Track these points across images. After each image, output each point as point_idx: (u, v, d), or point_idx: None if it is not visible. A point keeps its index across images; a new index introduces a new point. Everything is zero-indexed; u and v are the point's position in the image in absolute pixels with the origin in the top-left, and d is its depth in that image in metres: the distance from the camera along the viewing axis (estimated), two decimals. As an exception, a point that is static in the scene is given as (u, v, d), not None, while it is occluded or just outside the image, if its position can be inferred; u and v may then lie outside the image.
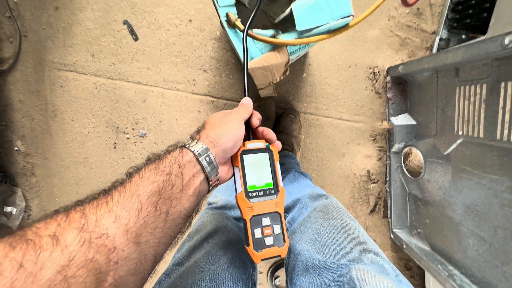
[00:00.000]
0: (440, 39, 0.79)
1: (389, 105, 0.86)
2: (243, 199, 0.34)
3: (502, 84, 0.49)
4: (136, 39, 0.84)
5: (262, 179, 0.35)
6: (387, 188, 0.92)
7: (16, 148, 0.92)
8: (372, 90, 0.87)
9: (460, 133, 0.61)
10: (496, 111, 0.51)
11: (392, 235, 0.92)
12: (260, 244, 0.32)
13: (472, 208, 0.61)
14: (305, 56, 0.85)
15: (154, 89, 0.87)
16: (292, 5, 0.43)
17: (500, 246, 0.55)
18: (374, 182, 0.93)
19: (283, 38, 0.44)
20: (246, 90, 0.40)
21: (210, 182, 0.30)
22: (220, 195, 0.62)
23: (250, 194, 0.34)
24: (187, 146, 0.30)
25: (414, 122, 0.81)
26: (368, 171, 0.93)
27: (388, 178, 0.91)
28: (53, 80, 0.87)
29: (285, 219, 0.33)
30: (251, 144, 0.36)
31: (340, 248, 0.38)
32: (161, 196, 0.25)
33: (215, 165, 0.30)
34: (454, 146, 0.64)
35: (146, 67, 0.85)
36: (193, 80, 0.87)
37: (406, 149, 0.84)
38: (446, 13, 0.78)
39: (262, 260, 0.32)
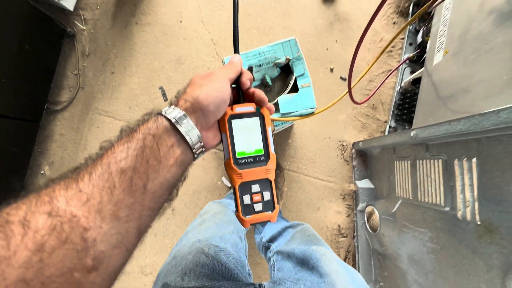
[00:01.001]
0: (390, 127, 1.08)
1: (354, 171, 1.08)
2: (231, 166, 0.33)
3: (417, 162, 0.73)
4: (165, 99, 1.12)
5: (252, 145, 0.34)
6: (355, 243, 1.06)
7: (42, 172, 1.08)
8: (341, 158, 1.11)
9: (399, 195, 0.82)
10: (416, 180, 0.73)
11: (359, 289, 1.00)
12: (249, 210, 0.33)
13: (412, 258, 0.76)
14: (291, 127, 1.12)
15: (171, 137, 1.10)
16: (279, 98, 0.69)
17: (431, 289, 0.68)
18: (344, 236, 1.07)
19: (271, 116, 0.69)
20: (236, 46, 0.36)
21: (194, 150, 0.29)
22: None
23: (239, 161, 0.33)
24: (163, 113, 0.28)
25: (372, 186, 1.02)
26: (339, 226, 1.08)
27: (355, 234, 1.06)
28: (93, 121, 1.10)
29: (274, 187, 0.35)
30: (240, 108, 0.34)
31: (311, 242, 0.56)
32: (136, 171, 0.24)
33: (197, 132, 0.29)
34: (397, 206, 0.83)
35: (168, 120, 1.10)
36: (203, 134, 1.11)
37: (369, 209, 1.02)
38: (392, 109, 1.09)
39: (251, 224, 0.33)
